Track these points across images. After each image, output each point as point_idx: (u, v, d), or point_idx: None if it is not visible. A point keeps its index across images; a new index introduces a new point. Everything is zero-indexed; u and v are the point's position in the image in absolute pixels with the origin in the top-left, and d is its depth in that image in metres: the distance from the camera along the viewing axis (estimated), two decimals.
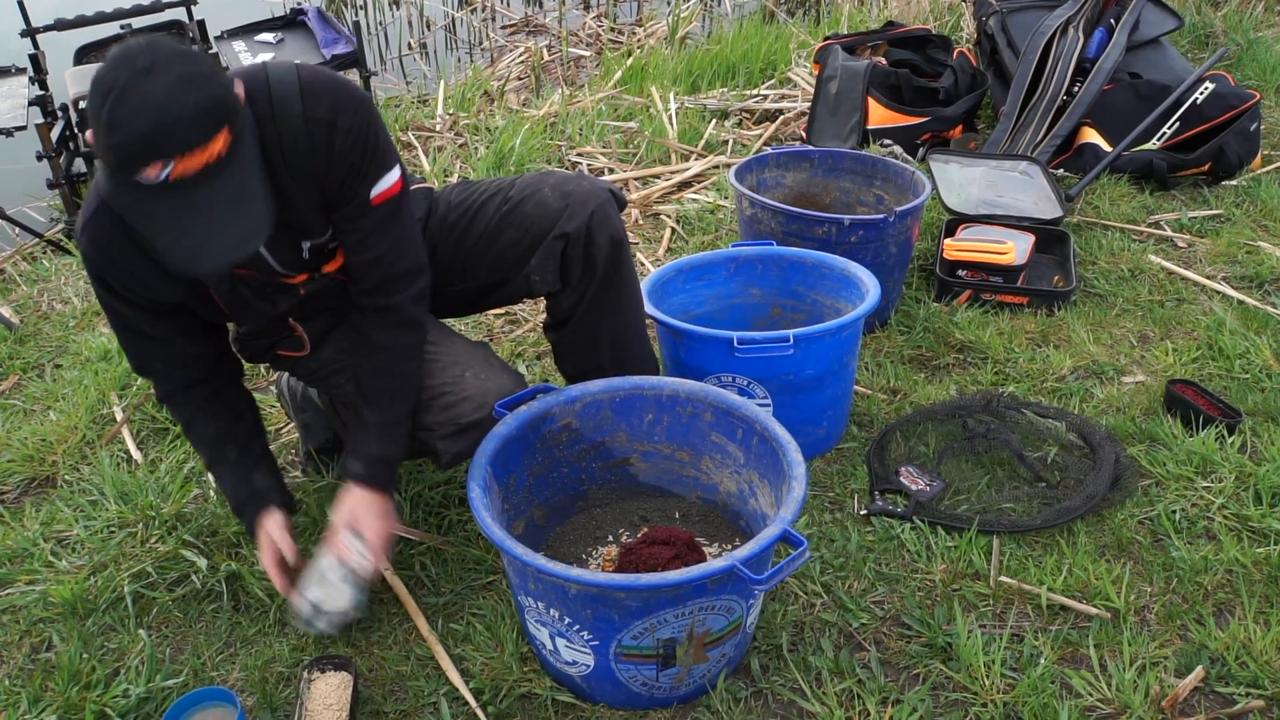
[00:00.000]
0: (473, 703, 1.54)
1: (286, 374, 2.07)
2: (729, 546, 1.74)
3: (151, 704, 1.58)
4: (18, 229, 3.55)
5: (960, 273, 2.70)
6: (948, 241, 2.75)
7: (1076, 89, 3.37)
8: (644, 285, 2.11)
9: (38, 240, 3.57)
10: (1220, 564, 1.75)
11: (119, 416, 2.34)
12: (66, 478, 2.18)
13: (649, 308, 2.03)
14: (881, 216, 2.38)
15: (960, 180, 3.03)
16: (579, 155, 3.85)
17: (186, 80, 1.24)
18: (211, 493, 2.06)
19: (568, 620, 1.42)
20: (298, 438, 2.20)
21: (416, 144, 3.97)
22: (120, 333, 1.65)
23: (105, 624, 1.76)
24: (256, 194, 1.35)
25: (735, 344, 1.90)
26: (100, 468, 2.16)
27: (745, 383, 1.97)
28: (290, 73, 1.46)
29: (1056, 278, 2.74)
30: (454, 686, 1.57)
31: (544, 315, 1.90)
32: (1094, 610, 1.67)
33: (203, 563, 1.84)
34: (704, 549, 1.71)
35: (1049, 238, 2.85)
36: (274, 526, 1.67)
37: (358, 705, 1.55)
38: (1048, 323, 2.56)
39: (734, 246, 2.37)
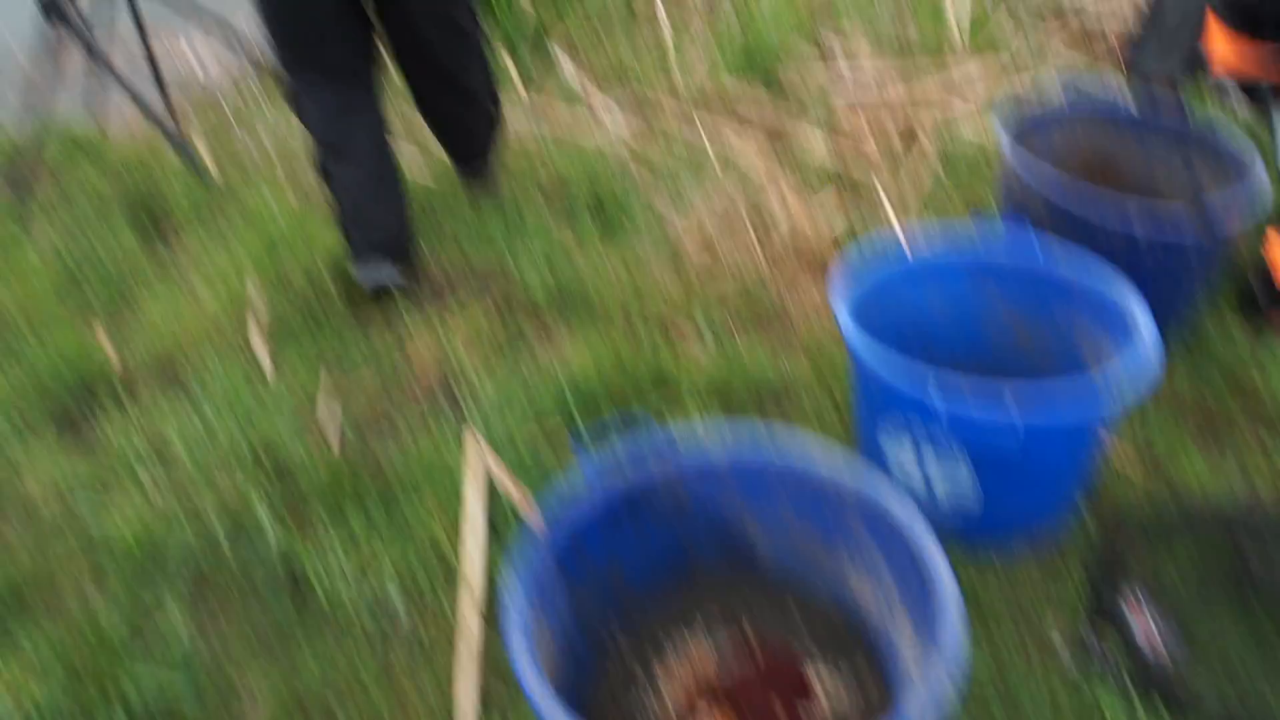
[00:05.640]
0: None
1: None
2: (852, 679, 1.30)
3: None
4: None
5: None
6: (1276, 236, 1.99)
7: None
8: (849, 283, 1.61)
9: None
10: None
11: (252, 313, 2.19)
12: (197, 371, 2.05)
13: (844, 316, 1.53)
14: (1192, 240, 1.72)
15: None
16: (835, 33, 3.22)
17: None
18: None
19: None
20: None
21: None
22: None
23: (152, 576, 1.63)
24: None
25: (944, 415, 1.41)
26: (218, 374, 2.01)
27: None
28: None
29: None
30: None
31: None
32: None
33: (272, 537, 1.65)
34: (816, 679, 1.31)
35: None
36: None
37: None
38: None
39: (975, 216, 1.77)
